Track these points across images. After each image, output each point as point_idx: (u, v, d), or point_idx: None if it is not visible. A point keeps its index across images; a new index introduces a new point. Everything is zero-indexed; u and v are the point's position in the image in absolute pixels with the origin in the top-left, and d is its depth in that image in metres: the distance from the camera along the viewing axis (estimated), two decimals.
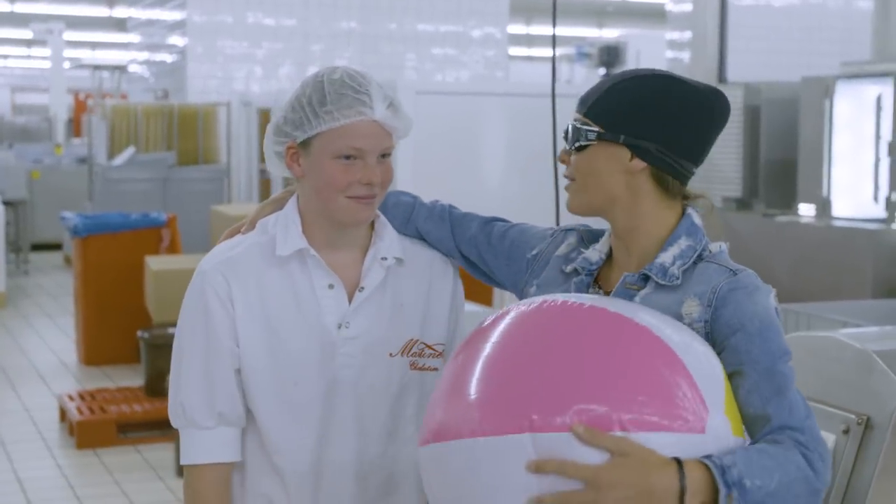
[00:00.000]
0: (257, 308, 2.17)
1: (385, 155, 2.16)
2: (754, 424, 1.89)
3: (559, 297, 1.92)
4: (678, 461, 1.74)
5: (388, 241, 2.24)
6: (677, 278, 1.99)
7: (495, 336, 1.87)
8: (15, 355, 9.77)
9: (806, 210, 8.13)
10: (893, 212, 7.46)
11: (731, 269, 1.98)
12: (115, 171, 12.34)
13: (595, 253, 2.13)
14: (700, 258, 2.01)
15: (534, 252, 2.24)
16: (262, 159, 9.81)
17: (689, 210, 2.06)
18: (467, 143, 9.61)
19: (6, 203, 13.96)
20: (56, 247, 16.07)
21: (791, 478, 1.82)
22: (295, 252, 2.18)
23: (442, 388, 1.90)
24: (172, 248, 9.25)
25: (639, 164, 2.00)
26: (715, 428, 1.79)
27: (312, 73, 2.20)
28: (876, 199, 7.67)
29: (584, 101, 2.05)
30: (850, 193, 7.87)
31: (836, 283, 7.42)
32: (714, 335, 1.94)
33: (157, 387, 7.28)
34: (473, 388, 1.81)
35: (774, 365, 1.91)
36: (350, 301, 2.20)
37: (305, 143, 2.15)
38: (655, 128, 1.99)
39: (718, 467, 1.74)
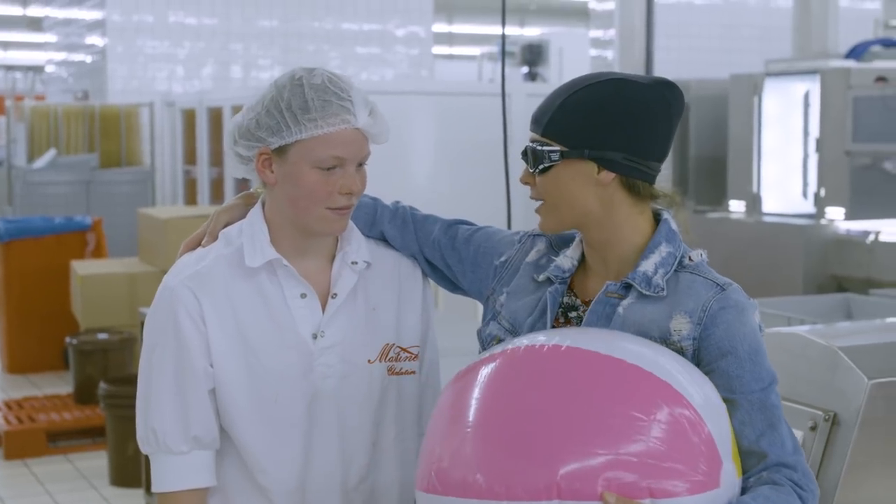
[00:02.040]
0: (230, 323, 2.10)
1: (361, 163, 2.10)
2: (748, 458, 1.90)
3: (559, 339, 1.86)
4: None
5: (356, 244, 2.18)
6: (662, 289, 1.96)
7: (499, 382, 1.83)
8: None
9: (736, 206, 8.22)
10: (822, 207, 7.57)
11: (718, 284, 1.96)
12: (36, 174, 12.10)
13: (567, 260, 2.09)
14: (681, 266, 1.99)
15: (502, 259, 2.19)
16: (187, 160, 9.69)
17: (666, 215, 2.04)
18: (394, 142, 9.58)
19: None
20: None
21: None
22: (265, 263, 2.11)
23: (445, 430, 1.83)
24: (98, 252, 9.11)
25: (607, 175, 1.96)
26: (726, 477, 1.80)
27: (283, 74, 2.12)
28: (805, 194, 7.78)
29: (538, 121, 2.01)
30: (780, 189, 7.98)
31: (768, 278, 7.50)
32: (702, 354, 1.93)
33: (86, 394, 7.17)
34: (490, 443, 1.75)
35: (766, 395, 1.92)
36: (323, 309, 2.14)
37: (281, 150, 2.06)
38: (618, 136, 1.95)
39: None
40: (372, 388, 2.17)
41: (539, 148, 1.98)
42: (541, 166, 1.98)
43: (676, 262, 1.98)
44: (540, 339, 1.88)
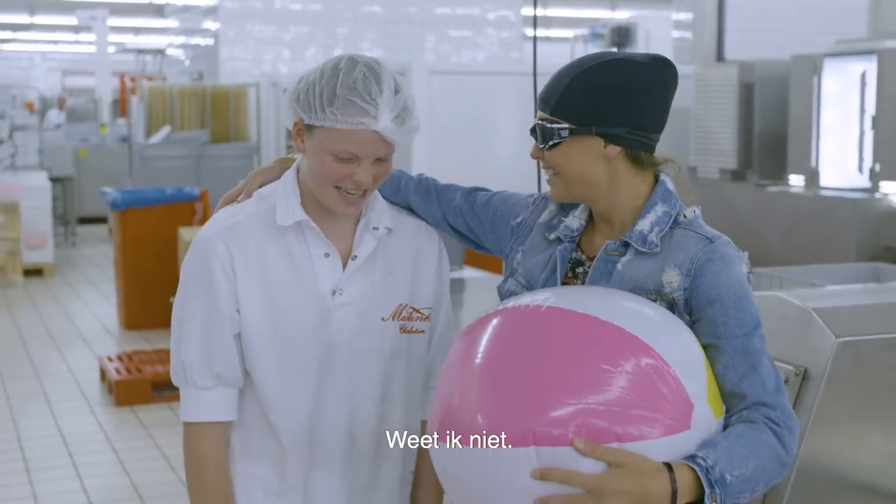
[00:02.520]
0: (257, 274, 2.13)
1: (382, 158, 2.09)
2: (730, 399, 1.93)
3: (542, 300, 1.91)
4: (669, 466, 1.77)
5: (379, 211, 2.20)
6: (656, 245, 1.99)
7: (490, 343, 1.89)
8: (61, 321, 9.90)
9: (796, 180, 8.15)
10: (877, 182, 7.47)
11: (707, 237, 1.99)
12: (151, 149, 12.40)
13: (575, 220, 2.12)
14: (676, 223, 2.02)
15: (517, 220, 2.23)
16: (290, 137, 9.87)
17: (663, 177, 2.06)
18: (481, 121, 9.64)
19: (55, 180, 14.08)
20: (101, 220, 16.17)
21: (764, 460, 1.86)
22: (294, 223, 2.13)
23: (447, 390, 1.91)
24: (205, 221, 9.28)
25: (614, 149, 1.99)
26: (699, 419, 1.82)
27: (338, 56, 2.11)
28: (860, 169, 7.68)
29: (546, 101, 2.02)
30: (837, 165, 7.88)
31: (822, 248, 7.44)
32: (692, 303, 1.96)
33: None
34: (478, 398, 1.83)
35: (749, 340, 1.94)
36: (344, 269, 2.17)
37: (310, 127, 2.08)
38: (622, 113, 1.97)
39: (703, 469, 1.78)
40: (384, 344, 2.20)
41: (549, 126, 2.00)
42: (550, 142, 2.00)
43: (672, 220, 2.02)
44: (525, 300, 1.94)
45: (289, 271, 2.14)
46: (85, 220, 16.18)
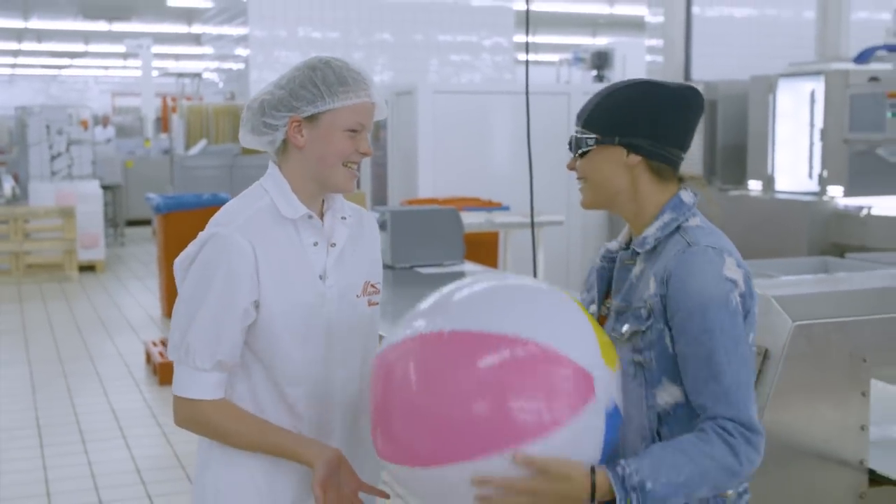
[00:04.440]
0: (274, 262, 2.07)
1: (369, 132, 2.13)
2: (697, 411, 1.82)
3: (442, 323, 1.81)
4: (592, 469, 1.73)
5: (340, 202, 2.19)
6: (650, 244, 1.91)
7: (403, 381, 1.81)
8: (111, 310, 9.91)
9: (754, 185, 8.15)
10: (825, 186, 7.47)
11: (687, 242, 1.86)
12: (190, 160, 12.42)
13: (615, 243, 2.06)
14: (679, 228, 1.91)
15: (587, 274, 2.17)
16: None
17: (681, 191, 1.95)
18: (478, 134, 9.63)
19: (105, 187, 14.10)
20: (146, 222, 16.22)
21: (704, 468, 1.74)
22: (298, 216, 2.10)
23: (384, 425, 1.85)
24: None
25: (634, 158, 1.93)
26: (601, 383, 1.77)
27: (307, 60, 2.10)
28: (811, 176, 7.67)
29: (580, 116, 1.99)
30: (790, 172, 7.88)
31: (778, 244, 7.44)
32: (666, 310, 1.84)
33: None
34: (412, 435, 1.78)
35: (713, 350, 1.78)
36: (326, 255, 2.14)
37: (313, 118, 2.06)
38: (643, 126, 1.92)
39: (619, 477, 1.72)
40: (362, 318, 2.20)
41: (579, 136, 1.97)
42: (580, 151, 1.97)
43: (676, 225, 1.91)
44: (424, 325, 1.84)
45: (293, 258, 2.10)
46: (132, 223, 16.23)
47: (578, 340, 1.79)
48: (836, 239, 7.22)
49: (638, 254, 1.95)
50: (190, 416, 2.06)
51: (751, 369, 1.83)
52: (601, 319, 2.01)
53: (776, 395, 2.48)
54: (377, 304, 2.25)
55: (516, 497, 1.71)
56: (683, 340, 1.82)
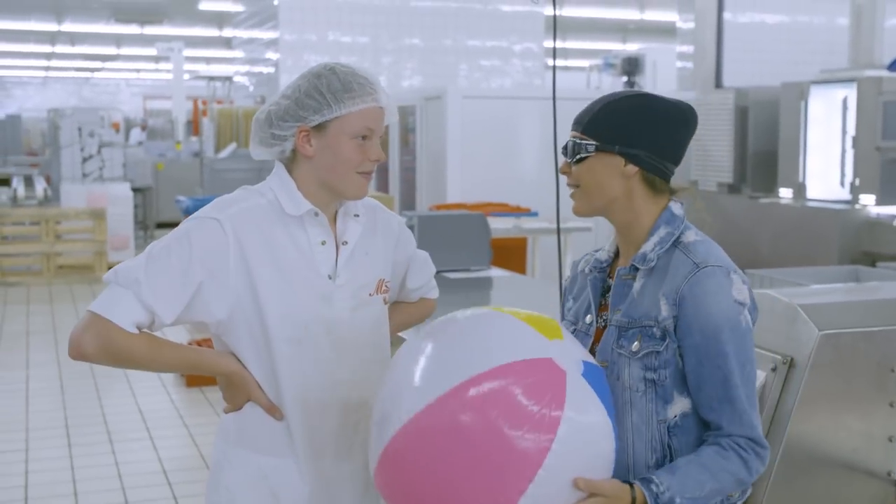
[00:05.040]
0: (268, 257, 2.04)
1: (380, 137, 2.11)
2: (709, 428, 1.90)
3: (407, 410, 1.80)
4: (631, 485, 1.81)
5: (352, 202, 2.17)
6: (653, 261, 1.94)
7: (417, 482, 1.79)
8: None
9: (785, 193, 8.11)
10: (857, 194, 7.41)
11: (695, 263, 1.90)
12: (220, 163, 12.51)
13: (604, 253, 2.09)
14: (677, 243, 1.95)
15: (567, 281, 2.21)
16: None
17: (671, 203, 2.00)
18: (507, 139, 9.64)
19: (136, 189, 14.21)
20: (176, 225, 16.26)
21: (722, 483, 1.85)
22: (300, 213, 2.08)
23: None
24: None
25: (632, 168, 1.95)
26: (560, 359, 1.80)
27: (312, 67, 2.09)
28: (842, 184, 7.63)
29: (579, 121, 2.00)
30: (821, 179, 7.84)
31: (808, 253, 7.40)
32: (677, 332, 1.89)
33: None
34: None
35: (728, 375, 1.86)
36: (337, 254, 2.13)
37: (320, 126, 2.04)
38: (642, 138, 1.95)
39: (653, 494, 1.80)
40: (375, 316, 2.19)
41: (578, 142, 1.98)
42: (578, 157, 1.98)
43: (673, 240, 1.95)
44: (400, 414, 1.81)
45: (296, 257, 2.08)
46: (162, 225, 16.32)
47: (518, 340, 1.82)
48: (867, 248, 7.16)
49: (637, 269, 1.97)
50: (104, 338, 1.95)
51: (755, 383, 1.93)
52: (597, 332, 2.02)
53: (801, 404, 2.45)
54: (389, 302, 2.25)
55: None
56: (696, 361, 1.88)
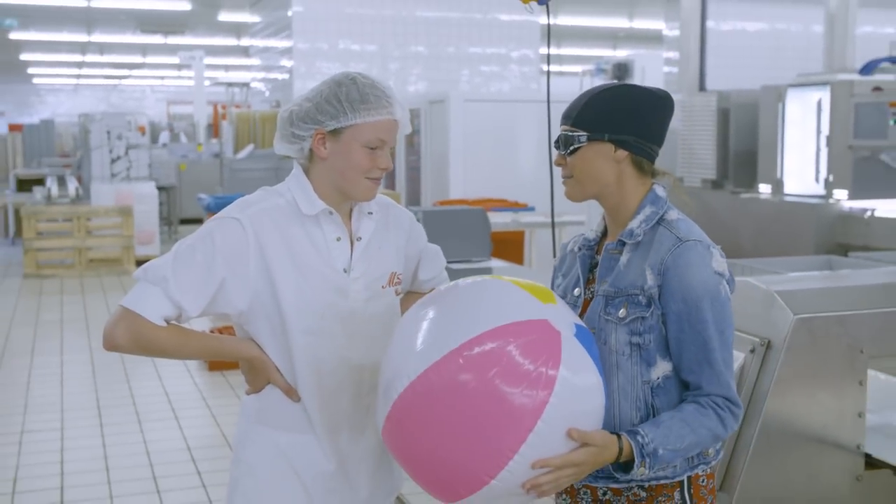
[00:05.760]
0: (286, 254, 2.04)
1: (392, 147, 2.11)
2: (689, 388, 1.92)
3: (412, 371, 1.81)
4: (619, 436, 1.83)
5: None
6: (639, 236, 1.95)
7: (419, 436, 1.81)
8: None
9: (764, 188, 8.09)
10: (830, 190, 7.40)
11: (678, 237, 1.92)
12: (239, 163, 12.49)
13: (591, 232, 2.10)
14: (661, 221, 1.96)
15: (557, 261, 2.20)
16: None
17: (655, 185, 2.02)
18: (506, 140, 9.64)
19: (161, 188, 14.21)
20: (198, 221, 16.28)
21: (701, 437, 1.88)
22: (316, 212, 2.08)
23: (418, 473, 1.85)
24: None
25: (622, 153, 1.96)
26: (555, 321, 1.82)
27: (335, 75, 2.08)
28: (817, 180, 7.60)
29: (568, 116, 2.01)
30: (798, 175, 7.81)
31: (786, 244, 7.39)
32: (661, 300, 1.90)
33: None
34: (440, 473, 1.80)
35: (707, 338, 1.88)
36: (351, 249, 2.13)
37: (336, 132, 2.04)
38: (629, 123, 1.96)
39: (639, 444, 1.83)
40: (388, 307, 2.18)
41: (570, 134, 1.98)
42: (571, 148, 1.98)
43: (658, 218, 1.96)
44: (402, 381, 1.83)
45: (312, 252, 2.08)
46: (184, 221, 16.33)
47: (515, 303, 1.83)
48: (841, 239, 7.15)
49: (624, 244, 1.98)
50: (135, 331, 1.97)
51: (731, 347, 1.94)
52: (585, 303, 2.03)
53: (778, 384, 2.47)
54: (401, 293, 2.25)
55: (565, 471, 1.78)
56: (678, 327, 1.90)
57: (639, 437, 1.84)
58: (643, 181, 2.01)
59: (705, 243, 1.92)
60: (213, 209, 9.26)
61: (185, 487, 4.87)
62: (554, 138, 2.08)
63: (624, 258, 1.98)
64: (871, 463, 2.60)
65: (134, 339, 1.99)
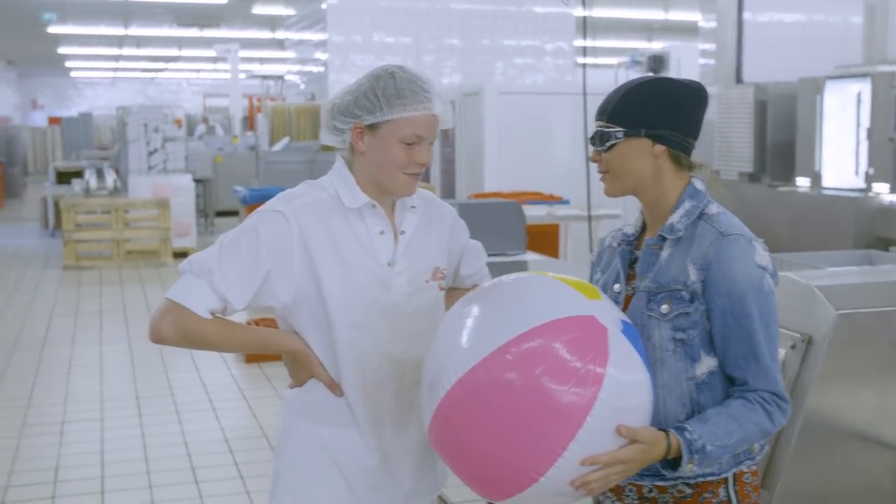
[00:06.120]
0: (329, 247, 2.03)
1: (431, 142, 2.08)
2: (735, 384, 1.90)
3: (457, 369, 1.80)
4: (667, 433, 1.81)
5: None
6: (680, 231, 1.93)
7: (467, 435, 1.79)
8: None
9: (802, 182, 8.00)
10: (870, 183, 7.31)
11: (720, 232, 1.89)
12: (274, 156, 12.54)
13: (630, 227, 2.07)
14: (702, 215, 1.94)
15: (594, 256, 2.19)
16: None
17: (693, 179, 1.99)
18: (540, 133, 9.61)
19: (197, 180, 14.32)
20: (234, 213, 16.39)
21: (748, 433, 1.85)
22: (359, 206, 2.07)
23: (466, 469, 1.83)
24: None
25: (659, 148, 1.95)
26: (601, 317, 1.81)
27: (375, 69, 2.06)
28: (857, 173, 7.52)
29: (603, 111, 1.98)
30: (837, 168, 7.72)
31: (824, 238, 7.31)
32: (705, 295, 1.88)
33: None
34: (490, 470, 1.78)
35: (752, 332, 1.86)
36: (395, 243, 2.11)
37: (373, 126, 2.02)
38: (665, 118, 1.94)
39: (687, 441, 1.81)
40: (431, 301, 2.16)
41: (607, 130, 1.96)
42: (608, 144, 1.96)
43: (699, 213, 1.94)
44: (448, 377, 1.82)
45: (355, 246, 2.06)
46: (221, 213, 16.44)
47: (560, 299, 1.82)
48: (881, 233, 7.06)
49: (665, 239, 1.96)
50: (181, 324, 1.97)
51: (777, 341, 1.92)
52: (626, 298, 2.01)
53: (820, 380, 2.45)
54: (444, 287, 2.22)
55: (614, 468, 1.76)
56: (723, 322, 1.87)
57: (686, 434, 1.82)
58: (681, 175, 1.99)
59: (748, 237, 1.89)
60: (249, 202, 9.31)
61: (223, 479, 4.91)
62: (590, 133, 2.07)
63: (665, 253, 1.95)
64: None
65: (180, 331, 1.99)
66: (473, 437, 1.78)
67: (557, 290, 1.85)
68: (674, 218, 1.96)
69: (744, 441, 1.86)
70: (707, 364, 1.91)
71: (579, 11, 14.80)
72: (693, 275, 1.88)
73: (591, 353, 1.74)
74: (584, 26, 2.60)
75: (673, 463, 1.84)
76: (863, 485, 2.54)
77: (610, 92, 2.02)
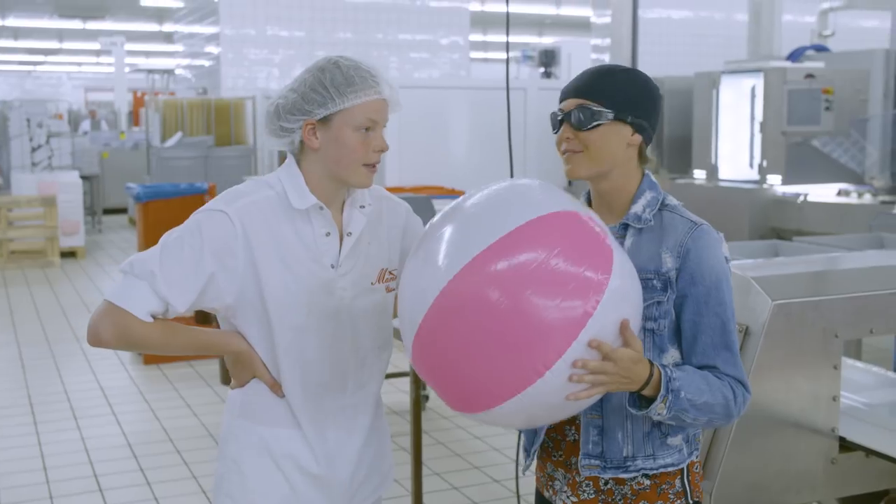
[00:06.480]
0: (273, 249, 1.98)
1: (383, 127, 2.02)
2: (704, 366, 1.88)
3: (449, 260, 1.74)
4: (651, 363, 1.77)
5: (360, 192, 2.08)
6: (650, 220, 1.91)
7: (460, 332, 1.71)
8: (93, 294, 9.71)
9: (699, 174, 8.18)
10: (764, 175, 7.51)
11: (692, 222, 1.90)
12: (167, 151, 12.21)
13: None
14: (663, 206, 1.94)
15: None
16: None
17: (646, 171, 1.98)
18: (438, 126, 9.59)
19: (83, 177, 13.82)
20: (122, 211, 15.94)
21: (715, 401, 1.83)
22: (306, 206, 2.01)
23: (454, 377, 1.75)
24: None
25: (637, 138, 1.93)
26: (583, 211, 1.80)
27: (316, 62, 2.01)
28: (751, 165, 7.72)
29: (585, 91, 1.92)
30: (732, 161, 7.92)
31: (722, 230, 7.41)
32: (679, 282, 1.87)
33: (205, 316, 7.25)
34: (482, 373, 1.70)
35: (726, 322, 1.87)
36: (340, 244, 2.06)
37: (325, 119, 1.97)
38: (647, 110, 1.93)
39: (667, 377, 1.78)
40: (377, 304, 2.11)
41: (595, 109, 1.90)
42: (593, 123, 1.90)
43: (659, 203, 1.94)
44: (443, 273, 1.74)
45: (300, 248, 2.00)
46: (108, 211, 15.94)
47: (565, 199, 1.80)
48: (774, 224, 7.27)
49: (627, 228, 1.93)
50: (121, 328, 1.91)
51: None
52: None
53: (756, 369, 2.46)
54: (394, 289, 2.14)
55: (606, 365, 1.69)
56: (696, 310, 1.87)
57: (668, 371, 1.80)
58: (639, 167, 1.98)
59: (713, 230, 1.91)
60: (143, 199, 9.01)
61: (128, 485, 4.72)
62: (543, 113, 2.01)
63: (628, 242, 1.92)
64: (846, 445, 2.61)
65: (119, 335, 1.91)
66: (453, 356, 1.70)
67: (542, 187, 1.81)
68: (636, 207, 1.93)
69: (707, 409, 1.83)
70: (672, 356, 1.90)
71: (474, 6, 14.85)
72: (669, 262, 1.87)
73: (596, 242, 1.71)
74: (507, 21, 2.55)
75: (641, 401, 1.81)
76: (797, 471, 2.56)
77: (584, 72, 1.97)
